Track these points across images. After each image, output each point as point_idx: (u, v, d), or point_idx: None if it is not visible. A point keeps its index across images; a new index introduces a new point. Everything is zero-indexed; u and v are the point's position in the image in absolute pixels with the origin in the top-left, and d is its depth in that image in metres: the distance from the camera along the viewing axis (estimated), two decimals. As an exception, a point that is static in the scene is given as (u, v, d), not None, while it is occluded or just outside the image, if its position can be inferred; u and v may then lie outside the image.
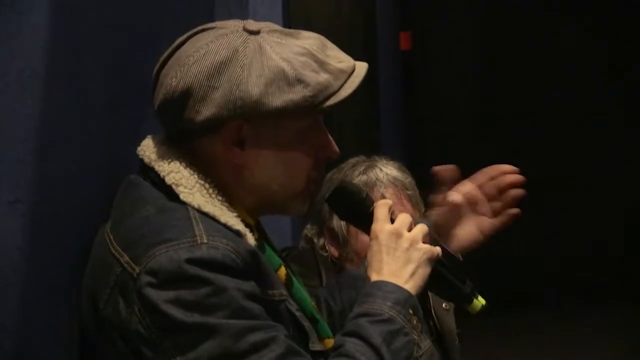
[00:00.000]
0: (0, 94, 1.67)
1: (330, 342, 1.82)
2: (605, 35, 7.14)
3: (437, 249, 1.86)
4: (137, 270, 1.62)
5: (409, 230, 1.84)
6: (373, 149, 3.52)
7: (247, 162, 1.74)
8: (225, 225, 1.68)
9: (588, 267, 7.13)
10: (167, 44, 1.82)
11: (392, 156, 2.73)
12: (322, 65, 1.74)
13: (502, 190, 2.14)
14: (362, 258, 2.53)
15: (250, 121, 1.72)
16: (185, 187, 1.71)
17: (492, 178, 2.14)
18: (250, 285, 1.64)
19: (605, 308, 6.77)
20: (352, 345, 1.69)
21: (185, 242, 1.62)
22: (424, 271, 1.82)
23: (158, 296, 1.59)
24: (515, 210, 2.14)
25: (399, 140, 6.93)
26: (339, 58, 1.78)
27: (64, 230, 1.87)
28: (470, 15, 7.41)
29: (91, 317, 1.70)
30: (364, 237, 2.53)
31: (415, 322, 1.76)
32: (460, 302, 1.97)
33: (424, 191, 2.63)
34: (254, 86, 1.69)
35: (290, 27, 1.85)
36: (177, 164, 1.74)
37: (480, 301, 1.94)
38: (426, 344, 2.38)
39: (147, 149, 1.77)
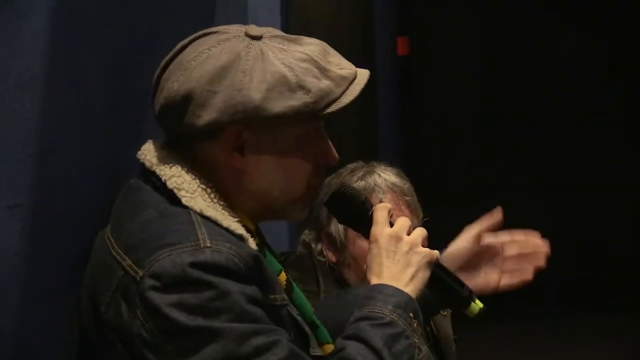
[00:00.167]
0: (-1, 96, 1.68)
1: (329, 348, 1.83)
2: (605, 35, 7.14)
3: (436, 253, 1.86)
4: (140, 273, 1.61)
5: (408, 233, 1.84)
6: (371, 155, 3.52)
7: (247, 167, 1.74)
8: (227, 230, 1.68)
9: (588, 269, 7.12)
10: (167, 47, 1.82)
11: (390, 162, 2.73)
12: (324, 71, 1.74)
13: (522, 256, 2.12)
14: (359, 263, 2.53)
15: (251, 127, 1.72)
16: (187, 192, 1.71)
17: (516, 242, 2.12)
18: (252, 290, 1.63)
19: (604, 312, 6.76)
20: (354, 348, 1.69)
21: (189, 245, 1.62)
22: (424, 275, 1.82)
23: (161, 299, 1.58)
24: (529, 274, 2.12)
25: (397, 145, 6.94)
26: (340, 65, 1.78)
27: (63, 233, 1.86)
28: (467, 20, 7.41)
29: (91, 320, 1.70)
30: (361, 243, 2.53)
31: (415, 325, 1.76)
32: (458, 306, 1.97)
33: (422, 197, 2.64)
34: (255, 91, 1.69)
35: (288, 33, 1.85)
36: (179, 168, 1.73)
37: (478, 304, 1.95)
38: (424, 348, 2.38)
39: (148, 153, 1.77)
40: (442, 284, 1.92)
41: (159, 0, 2.34)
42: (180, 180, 1.72)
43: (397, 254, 1.81)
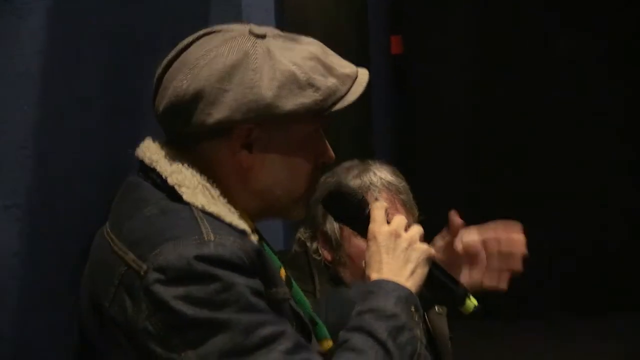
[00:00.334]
0: (-2, 97, 1.68)
1: (328, 344, 1.85)
2: (605, 35, 7.14)
3: (433, 250, 1.88)
4: (144, 267, 1.61)
5: (405, 231, 1.86)
6: (365, 153, 3.52)
7: (254, 165, 1.75)
8: (230, 225, 1.69)
9: (588, 269, 7.12)
10: (164, 46, 1.81)
11: (385, 160, 2.73)
12: (329, 70, 1.76)
13: (502, 255, 2.12)
14: (355, 262, 2.54)
15: (260, 125, 1.72)
16: (188, 188, 1.71)
17: (499, 240, 2.12)
18: (256, 283, 1.64)
19: (603, 314, 6.77)
20: (359, 339, 1.69)
21: (193, 239, 1.62)
22: (423, 271, 1.84)
23: (167, 293, 1.59)
24: (504, 284, 2.12)
25: (391, 144, 6.94)
26: (341, 63, 1.79)
27: (61, 234, 1.87)
28: (462, 19, 7.41)
29: (93, 319, 1.70)
30: (357, 241, 2.54)
31: (416, 319, 1.77)
32: (453, 303, 1.99)
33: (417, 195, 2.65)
34: (266, 89, 1.70)
35: (283, 32, 1.85)
36: (179, 165, 1.73)
37: (472, 302, 1.96)
38: (424, 342, 2.39)
39: (148, 150, 1.77)
40: (437, 281, 1.93)
41: (155, 0, 2.35)
42: (181, 176, 1.72)
43: (396, 251, 1.83)
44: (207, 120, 1.70)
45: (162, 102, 1.74)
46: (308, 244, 2.63)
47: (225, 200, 1.74)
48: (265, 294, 1.66)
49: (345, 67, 1.79)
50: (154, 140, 1.79)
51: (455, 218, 2.11)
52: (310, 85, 1.72)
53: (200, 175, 1.74)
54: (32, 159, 1.76)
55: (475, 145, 7.28)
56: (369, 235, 1.86)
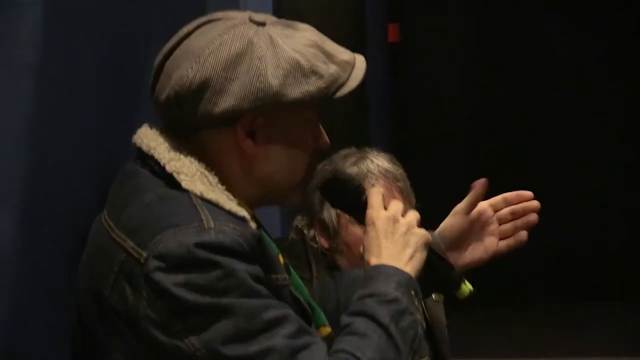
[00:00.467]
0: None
1: (325, 330, 1.84)
2: (605, 35, 7.13)
3: (430, 234, 1.88)
4: (144, 255, 1.61)
5: (403, 216, 1.85)
6: (361, 141, 3.52)
7: (257, 153, 1.74)
8: (229, 212, 1.69)
9: (588, 265, 7.12)
10: (161, 38, 1.81)
11: (381, 148, 2.74)
12: (329, 57, 1.76)
13: (515, 215, 2.10)
14: (352, 249, 2.54)
15: (265, 113, 1.72)
16: (186, 175, 1.71)
17: (508, 202, 2.11)
18: (256, 269, 1.64)
19: (600, 302, 6.78)
20: (361, 323, 1.69)
21: (193, 226, 1.62)
22: (421, 255, 1.84)
23: (168, 280, 1.59)
24: (524, 235, 2.10)
25: (387, 132, 6.94)
26: (338, 50, 1.79)
27: (57, 226, 1.87)
28: (458, 8, 7.40)
29: (92, 308, 1.69)
30: (354, 229, 2.54)
31: (416, 303, 1.77)
32: (448, 288, 1.99)
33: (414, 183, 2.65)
34: (272, 77, 1.69)
35: (280, 19, 1.85)
36: (178, 152, 1.73)
37: (467, 286, 1.97)
38: (424, 326, 2.39)
39: (145, 137, 1.76)
40: (432, 266, 1.93)
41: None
42: (180, 164, 1.72)
43: (395, 235, 1.82)
44: (213, 110, 1.70)
45: (164, 90, 1.73)
46: (305, 231, 2.64)
47: (224, 188, 1.73)
48: (265, 280, 1.66)
49: (343, 53, 1.79)
50: (151, 127, 1.78)
51: (481, 184, 2.09)
52: (314, 72, 1.72)
53: (199, 162, 1.73)
54: (26, 150, 1.75)
55: (471, 132, 7.28)
56: (367, 220, 1.86)
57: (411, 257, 1.82)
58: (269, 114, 1.72)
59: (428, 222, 2.12)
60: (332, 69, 1.75)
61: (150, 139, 1.75)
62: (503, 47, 7.25)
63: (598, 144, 7.13)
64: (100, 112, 2.01)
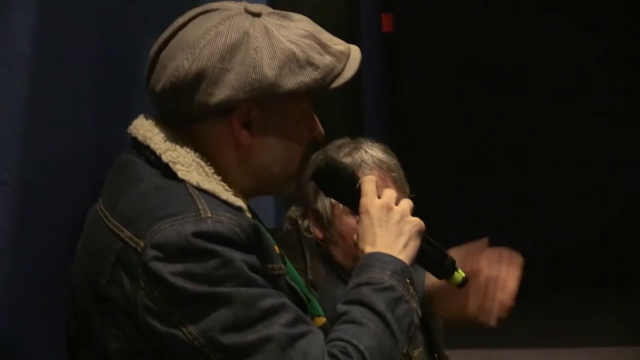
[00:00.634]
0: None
1: (320, 320, 1.85)
2: (605, 35, 7.14)
3: (422, 223, 1.88)
4: (142, 244, 1.61)
5: (396, 204, 1.86)
6: (355, 131, 3.51)
7: (253, 144, 1.75)
8: (226, 202, 1.69)
9: (588, 263, 7.14)
10: (155, 29, 1.81)
11: (375, 138, 2.73)
12: (325, 47, 1.76)
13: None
14: (346, 240, 2.54)
15: (261, 104, 1.72)
16: (182, 165, 1.71)
17: (498, 276, 2.22)
18: (253, 259, 1.65)
19: (603, 295, 6.80)
20: (358, 312, 1.71)
21: (190, 216, 1.63)
22: (415, 243, 1.85)
23: (166, 269, 1.59)
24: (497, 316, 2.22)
25: (381, 122, 6.94)
26: (333, 40, 1.80)
27: (51, 213, 1.87)
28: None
29: (88, 297, 1.69)
30: (348, 219, 2.54)
31: (411, 290, 1.78)
32: (442, 275, 2.00)
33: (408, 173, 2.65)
34: (267, 68, 1.70)
35: (275, 9, 1.84)
36: (173, 142, 1.73)
37: (460, 274, 1.98)
38: (419, 313, 2.40)
39: (141, 127, 1.76)
40: (426, 254, 1.94)
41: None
42: (176, 154, 1.72)
43: (389, 223, 1.83)
44: (209, 100, 1.70)
45: (160, 81, 1.73)
46: (299, 222, 2.63)
47: (220, 178, 1.74)
48: (262, 269, 1.67)
49: (338, 43, 1.80)
50: (146, 118, 1.78)
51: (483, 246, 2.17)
52: (310, 63, 1.73)
53: (195, 153, 1.73)
54: (21, 136, 1.75)
55: (464, 122, 7.29)
56: (361, 209, 1.86)
57: (405, 245, 1.83)
58: (264, 104, 1.72)
59: (422, 211, 2.13)
60: (328, 59, 1.75)
61: (145, 129, 1.75)
62: (497, 36, 7.26)
63: (598, 144, 7.14)
64: (95, 101, 2.01)
